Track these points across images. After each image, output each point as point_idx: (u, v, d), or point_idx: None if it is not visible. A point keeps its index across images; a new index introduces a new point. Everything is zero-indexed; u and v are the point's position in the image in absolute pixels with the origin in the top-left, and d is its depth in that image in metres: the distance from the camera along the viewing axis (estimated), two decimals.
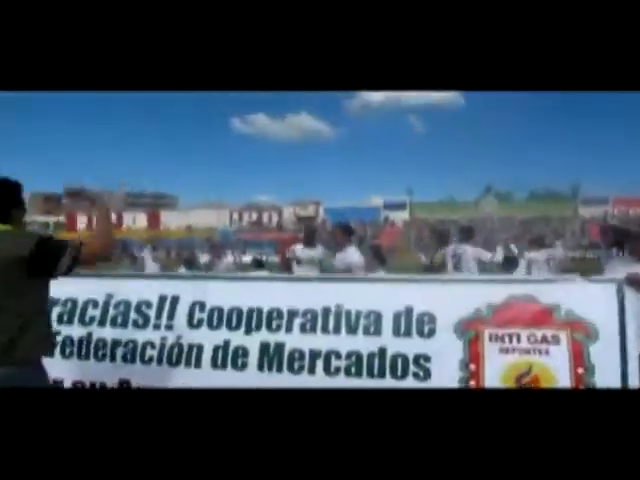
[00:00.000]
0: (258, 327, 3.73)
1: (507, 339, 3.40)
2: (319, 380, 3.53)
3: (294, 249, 7.22)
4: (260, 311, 3.77)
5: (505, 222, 55.37)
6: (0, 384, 2.32)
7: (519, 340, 3.39)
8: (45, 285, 2.66)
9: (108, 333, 3.90)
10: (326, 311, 3.69)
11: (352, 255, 5.95)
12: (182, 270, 8.25)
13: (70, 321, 3.97)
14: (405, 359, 3.50)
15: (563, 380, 3.27)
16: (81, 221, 70.56)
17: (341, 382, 3.50)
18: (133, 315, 3.92)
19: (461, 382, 3.38)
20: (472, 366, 3.41)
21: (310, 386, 3.46)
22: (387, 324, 3.60)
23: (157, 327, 3.87)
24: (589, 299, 3.43)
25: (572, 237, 49.37)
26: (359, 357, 3.54)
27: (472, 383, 3.36)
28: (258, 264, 8.29)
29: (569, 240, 48.21)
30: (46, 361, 2.67)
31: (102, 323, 3.95)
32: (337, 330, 3.63)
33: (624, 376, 3.21)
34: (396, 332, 3.57)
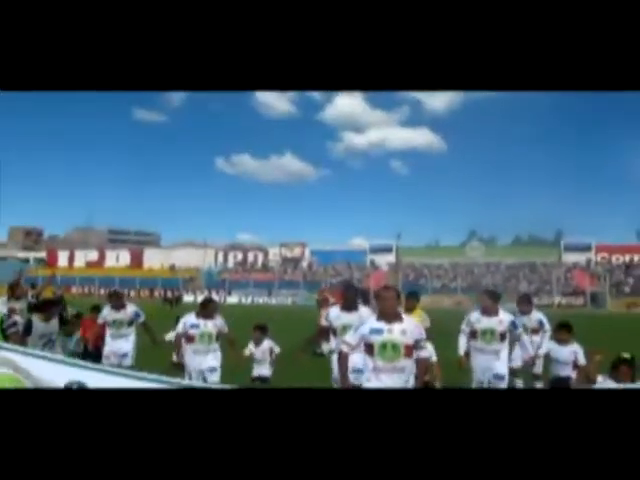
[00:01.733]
0: None
1: None
2: None
3: (330, 314, 6.05)
4: None
5: (491, 267, 55.64)
6: None
7: None
8: None
9: None
10: None
11: (368, 314, 5.43)
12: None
13: None
14: None
15: None
16: (61, 257, 69.64)
17: None
18: None
19: None
20: None
21: None
22: None
23: None
24: None
25: (557, 284, 49.50)
26: None
27: None
28: (263, 331, 7.42)
29: (555, 287, 48.47)
30: None
31: None
32: None
33: None
34: None
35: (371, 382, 4.35)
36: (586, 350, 6.14)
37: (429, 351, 5.20)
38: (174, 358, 7.38)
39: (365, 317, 5.34)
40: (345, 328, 5.49)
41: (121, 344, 7.52)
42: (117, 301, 7.73)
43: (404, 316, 4.57)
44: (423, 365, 4.59)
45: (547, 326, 7.10)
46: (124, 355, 7.42)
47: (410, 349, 4.36)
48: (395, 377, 4.27)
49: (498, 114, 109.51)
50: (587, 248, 57.46)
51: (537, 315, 7.38)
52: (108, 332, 7.59)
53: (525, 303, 7.56)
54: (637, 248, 55.82)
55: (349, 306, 5.88)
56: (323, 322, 6.08)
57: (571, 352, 6.16)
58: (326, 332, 6.07)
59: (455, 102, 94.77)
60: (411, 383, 4.38)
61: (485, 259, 57.71)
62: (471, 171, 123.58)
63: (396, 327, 4.36)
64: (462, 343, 6.41)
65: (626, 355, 4.55)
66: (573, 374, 6.06)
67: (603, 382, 4.64)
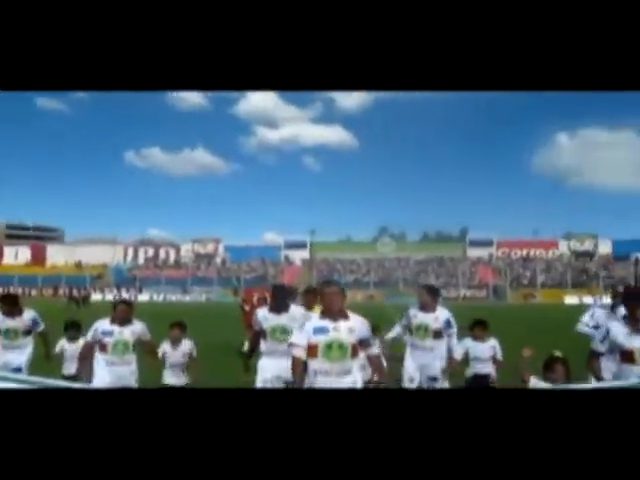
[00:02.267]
0: None
1: None
2: None
3: (257, 315, 5.63)
4: None
5: (402, 262, 57.58)
6: None
7: None
8: None
9: None
10: None
11: (300, 314, 5.29)
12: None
13: None
14: None
15: None
16: None
17: None
18: None
19: None
20: None
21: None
22: None
23: None
24: None
25: (463, 277, 52.06)
26: None
27: None
28: (183, 328, 6.30)
29: (461, 280, 50.98)
30: None
31: None
32: None
33: None
34: None
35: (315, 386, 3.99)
36: (503, 345, 6.16)
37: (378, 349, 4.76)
38: (64, 371, 6.55)
39: (298, 317, 5.19)
40: (275, 330, 5.39)
41: (13, 357, 6.24)
42: (11, 307, 6.36)
43: (350, 313, 4.18)
44: (376, 363, 4.33)
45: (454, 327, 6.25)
46: (17, 369, 6.10)
47: (356, 349, 4.05)
48: (341, 380, 3.96)
49: (408, 113, 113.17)
50: (489, 243, 60.96)
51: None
52: (0, 342, 6.32)
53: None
54: (533, 243, 59.89)
55: (278, 307, 5.54)
56: (254, 325, 5.67)
57: (490, 347, 6.13)
58: (259, 335, 5.63)
59: (367, 100, 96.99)
60: (359, 385, 4.10)
61: (396, 254, 59.70)
62: (382, 168, 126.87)
63: (342, 325, 4.03)
64: (394, 330, 6.32)
65: (558, 353, 4.54)
66: (492, 370, 6.08)
67: (537, 384, 4.78)
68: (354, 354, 4.02)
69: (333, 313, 4.06)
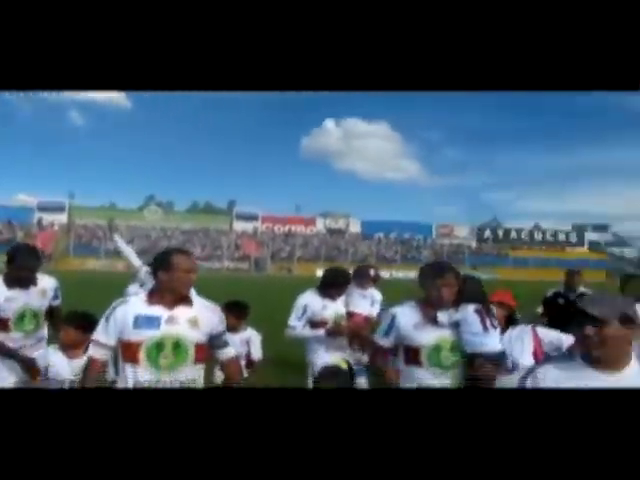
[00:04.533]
0: None
1: None
2: None
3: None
4: None
5: (168, 232, 56.78)
6: None
7: None
8: None
9: None
10: None
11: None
12: None
13: None
14: None
15: None
16: None
17: None
18: None
19: None
20: None
21: None
22: None
23: None
24: None
25: (228, 250, 53.64)
26: None
27: None
28: None
29: (225, 252, 52.42)
30: None
31: None
32: None
33: None
34: None
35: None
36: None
37: None
38: None
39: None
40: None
41: None
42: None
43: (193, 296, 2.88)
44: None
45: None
46: None
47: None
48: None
49: None
50: (254, 218, 63.52)
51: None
52: None
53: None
54: (295, 219, 64.23)
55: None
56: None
57: (242, 341, 4.39)
58: None
59: None
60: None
61: (163, 224, 58.62)
62: (153, 133, 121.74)
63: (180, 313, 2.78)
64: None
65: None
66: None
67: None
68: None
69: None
